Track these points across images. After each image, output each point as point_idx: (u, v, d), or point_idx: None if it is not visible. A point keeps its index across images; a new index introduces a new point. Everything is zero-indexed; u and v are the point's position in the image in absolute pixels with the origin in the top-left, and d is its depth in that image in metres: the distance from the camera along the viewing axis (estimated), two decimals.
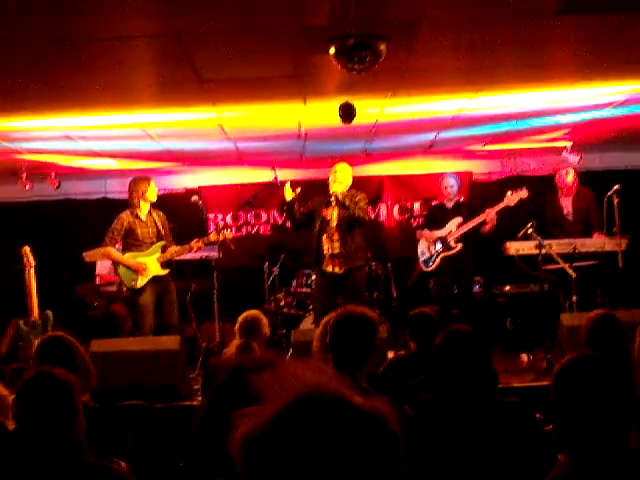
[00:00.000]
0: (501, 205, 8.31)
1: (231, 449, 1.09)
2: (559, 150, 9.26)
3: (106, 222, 7.83)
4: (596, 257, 8.08)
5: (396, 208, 10.81)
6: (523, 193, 8.29)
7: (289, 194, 7.80)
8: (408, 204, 10.81)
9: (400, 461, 1.09)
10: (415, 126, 8.16)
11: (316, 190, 8.44)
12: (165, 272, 7.72)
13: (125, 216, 7.70)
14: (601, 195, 8.14)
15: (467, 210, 8.59)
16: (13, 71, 5.34)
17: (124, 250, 7.76)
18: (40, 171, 9.26)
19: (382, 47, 4.81)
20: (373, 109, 7.04)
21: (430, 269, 8.62)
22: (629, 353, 3.43)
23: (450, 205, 8.70)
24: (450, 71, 5.98)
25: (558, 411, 2.14)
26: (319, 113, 7.13)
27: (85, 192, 10.63)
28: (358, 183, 8.57)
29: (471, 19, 4.65)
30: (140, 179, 7.80)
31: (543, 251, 7.68)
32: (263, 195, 10.50)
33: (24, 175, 9.26)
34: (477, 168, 10.79)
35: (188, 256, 8.23)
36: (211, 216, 10.07)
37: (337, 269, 7.74)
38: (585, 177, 8.78)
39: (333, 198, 7.71)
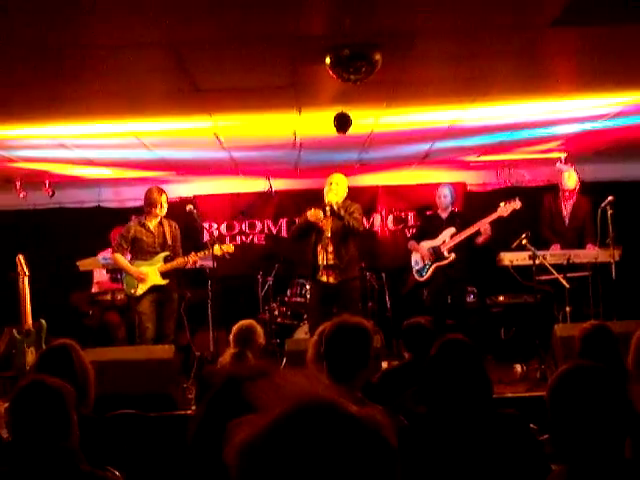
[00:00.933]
0: (494, 216, 8.33)
1: (227, 458, 1.09)
2: (553, 161, 9.29)
3: (100, 231, 7.86)
4: (590, 268, 8.10)
5: (390, 218, 10.83)
6: (516, 204, 8.32)
7: (315, 217, 7.72)
8: (402, 214, 10.83)
9: (396, 471, 1.09)
10: (410, 136, 8.18)
11: (311, 200, 8.45)
12: (164, 282, 7.77)
13: (133, 224, 7.94)
14: (595, 206, 8.17)
15: (461, 220, 8.61)
16: (8, 79, 5.34)
17: (132, 259, 7.88)
18: (34, 179, 9.25)
19: (378, 57, 4.82)
20: (368, 119, 7.05)
21: (424, 279, 8.63)
22: (623, 364, 3.43)
23: (444, 215, 8.72)
24: (445, 82, 5.99)
25: (553, 421, 2.14)
26: (314, 123, 7.14)
27: (79, 200, 10.62)
28: (352, 193, 8.58)
29: (466, 30, 4.66)
30: (155, 190, 7.95)
31: (537, 262, 7.70)
32: (258, 205, 10.53)
33: (18, 183, 9.27)
34: (472, 179, 10.81)
35: (199, 261, 8.27)
36: (205, 225, 10.05)
37: (332, 279, 7.75)
38: (579, 188, 8.80)
39: (328, 208, 7.72)
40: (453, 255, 8.44)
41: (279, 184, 10.29)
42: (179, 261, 7.86)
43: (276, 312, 9.17)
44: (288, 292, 9.34)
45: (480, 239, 8.38)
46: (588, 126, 7.88)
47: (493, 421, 3.03)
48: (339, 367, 3.36)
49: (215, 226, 10.65)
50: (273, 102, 6.30)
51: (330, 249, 7.75)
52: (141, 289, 7.72)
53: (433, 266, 8.51)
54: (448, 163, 10.34)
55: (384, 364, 6.82)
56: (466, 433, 2.97)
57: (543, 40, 4.96)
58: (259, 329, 5.75)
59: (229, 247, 8.00)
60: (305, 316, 8.95)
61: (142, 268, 7.77)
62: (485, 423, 3.00)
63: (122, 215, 9.34)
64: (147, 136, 7.53)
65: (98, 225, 8.06)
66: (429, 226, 8.86)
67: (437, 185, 9.04)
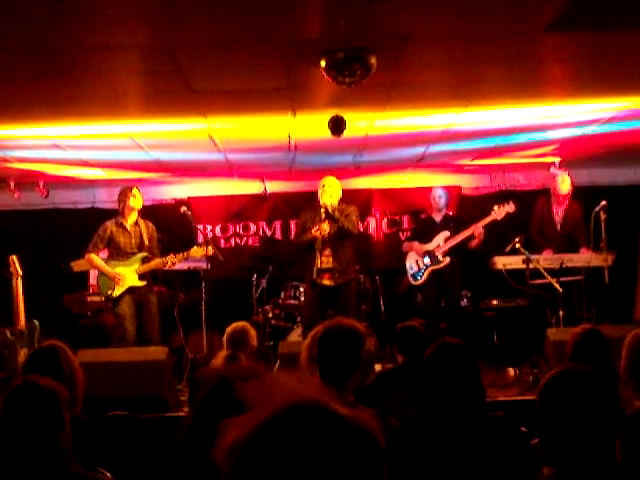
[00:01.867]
0: (488, 219, 8.35)
1: (216, 458, 1.10)
2: (547, 165, 9.32)
3: (95, 232, 7.83)
4: (583, 272, 8.12)
5: (385, 221, 10.84)
6: (510, 207, 8.33)
7: (321, 232, 7.76)
8: (397, 217, 10.83)
9: (383, 472, 1.09)
10: (405, 140, 8.19)
11: (306, 202, 8.47)
12: (142, 284, 7.70)
13: (109, 224, 7.77)
14: (588, 211, 8.20)
15: (455, 224, 8.63)
16: (2, 80, 5.34)
17: (107, 259, 7.79)
18: (28, 180, 9.24)
19: (373, 61, 4.83)
20: (363, 122, 7.06)
21: (418, 283, 8.64)
22: (614, 368, 3.45)
23: (438, 218, 8.73)
24: (440, 85, 6.01)
25: (544, 424, 2.15)
26: (309, 126, 7.15)
27: (73, 201, 10.61)
28: (347, 196, 8.60)
29: (461, 34, 4.68)
30: (124, 188, 7.88)
31: (530, 266, 7.72)
32: (252, 207, 10.53)
33: (12, 183, 9.25)
34: (466, 182, 10.83)
35: (176, 267, 8.22)
36: (200, 227, 10.06)
37: (329, 282, 7.77)
38: (573, 193, 8.83)
39: (323, 210, 7.73)
40: (448, 259, 8.46)
41: (274, 186, 10.30)
42: (157, 262, 7.77)
43: (270, 314, 9.17)
44: (282, 294, 9.33)
45: (474, 242, 8.39)
46: (582, 131, 7.91)
47: (484, 423, 3.04)
48: (331, 369, 3.37)
49: (209, 228, 10.64)
50: (268, 104, 6.31)
51: (327, 252, 7.77)
52: (118, 290, 7.62)
53: (428, 270, 8.52)
54: (443, 167, 10.35)
55: (377, 367, 6.83)
56: (457, 435, 2.98)
57: (537, 45, 4.98)
58: (252, 331, 5.76)
59: (209, 249, 7.88)
60: (299, 318, 8.96)
61: (118, 269, 7.67)
62: (476, 425, 3.01)
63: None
64: (142, 137, 7.53)
65: (92, 226, 8.02)
66: (423, 229, 8.88)
67: (432, 188, 9.06)
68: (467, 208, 10.10)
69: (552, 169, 9.13)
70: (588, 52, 5.21)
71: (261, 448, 1.06)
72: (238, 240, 10.80)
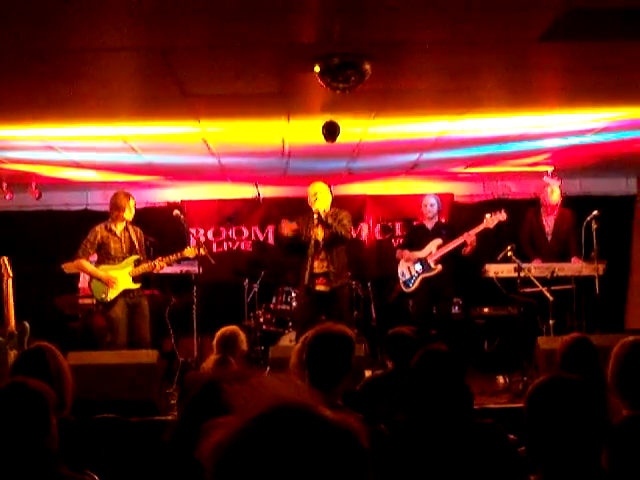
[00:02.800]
0: (480, 227, 8.37)
1: (201, 459, 1.10)
2: (540, 174, 9.34)
3: (87, 234, 7.81)
4: (574, 281, 8.14)
5: (378, 228, 10.85)
6: (502, 216, 8.36)
7: (289, 231, 7.80)
8: (390, 224, 10.85)
9: (367, 475, 1.10)
10: (398, 147, 8.21)
11: (299, 207, 8.48)
12: (136, 286, 7.69)
13: (99, 229, 7.71)
14: (580, 220, 8.22)
15: (447, 232, 8.64)
16: None
17: (97, 263, 7.76)
18: (21, 181, 9.22)
19: (367, 67, 4.84)
20: (357, 129, 7.07)
21: (410, 290, 8.65)
22: (603, 376, 3.46)
23: (430, 226, 8.74)
24: (434, 93, 6.03)
25: (530, 431, 2.16)
26: (303, 131, 7.16)
27: (66, 203, 10.59)
28: (341, 202, 8.62)
29: (455, 42, 4.70)
30: (122, 195, 7.78)
31: (522, 274, 7.74)
32: (245, 211, 10.53)
33: (4, 185, 9.23)
34: (459, 190, 10.85)
35: (168, 270, 8.21)
36: (192, 231, 10.05)
37: (323, 287, 7.77)
38: (565, 202, 8.86)
39: (316, 216, 7.74)
40: (440, 266, 8.47)
41: (267, 191, 10.30)
42: (147, 266, 7.75)
43: (261, 319, 9.17)
44: (274, 299, 9.33)
45: (466, 250, 8.41)
46: (575, 140, 7.94)
47: (471, 430, 3.04)
48: (320, 374, 3.37)
49: (202, 232, 10.63)
50: (262, 109, 6.32)
51: (322, 256, 7.79)
52: (112, 294, 7.58)
53: (420, 277, 8.53)
54: (436, 174, 10.37)
55: (368, 373, 6.83)
56: (444, 442, 2.98)
57: (530, 54, 5.00)
58: (242, 335, 5.76)
59: (201, 250, 7.86)
60: (290, 324, 8.96)
61: (111, 272, 7.63)
62: (463, 432, 3.02)
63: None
64: (135, 140, 7.53)
65: (85, 228, 8.00)
66: (415, 237, 8.88)
67: (424, 196, 9.06)
68: (460, 216, 10.13)
69: (545, 178, 9.15)
70: (582, 62, 5.23)
71: (244, 449, 1.06)
72: (231, 244, 10.80)
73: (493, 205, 9.51)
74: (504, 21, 4.32)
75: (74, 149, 7.89)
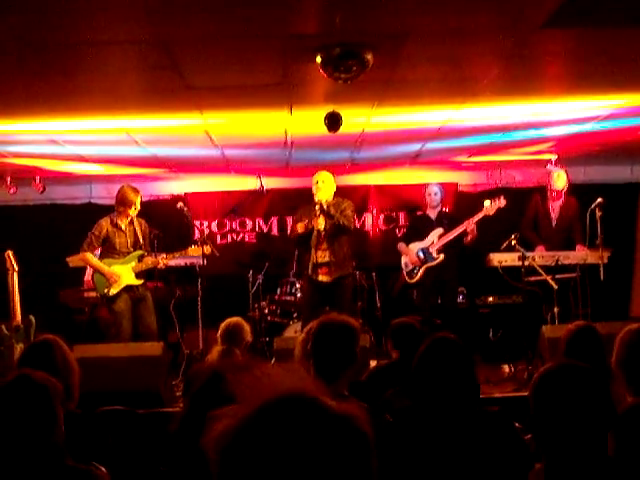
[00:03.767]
0: (480, 215, 8.36)
1: (206, 449, 1.11)
2: (544, 163, 9.32)
3: (91, 227, 7.82)
4: (578, 270, 8.13)
5: (381, 217, 10.85)
6: (501, 202, 8.35)
7: (301, 228, 7.84)
8: (393, 214, 10.85)
9: (372, 464, 1.10)
10: (401, 136, 8.19)
11: (302, 198, 8.48)
12: (139, 282, 7.70)
13: (104, 223, 7.71)
14: (584, 208, 8.21)
15: (449, 221, 8.63)
16: None
17: (102, 257, 7.77)
18: (25, 175, 9.23)
19: (369, 57, 4.83)
20: (359, 119, 7.06)
21: (414, 280, 8.64)
22: (608, 364, 3.46)
23: (433, 215, 8.73)
24: (436, 82, 6.01)
25: (536, 419, 2.16)
26: (305, 122, 7.15)
27: (70, 197, 10.60)
28: (344, 192, 8.60)
29: (457, 31, 4.68)
30: (130, 190, 7.76)
31: (526, 263, 7.73)
32: (248, 203, 10.53)
33: (8, 179, 9.25)
34: (463, 179, 10.84)
35: (172, 263, 8.22)
36: (196, 223, 10.06)
37: (325, 278, 7.79)
38: (569, 190, 8.84)
39: (318, 207, 7.75)
40: (442, 256, 8.46)
41: (270, 182, 10.30)
42: (152, 261, 7.76)
43: (266, 310, 9.18)
44: (278, 290, 9.35)
45: (467, 239, 8.40)
46: (579, 128, 7.91)
47: (477, 418, 3.05)
48: (325, 365, 3.38)
49: (206, 224, 10.64)
50: (264, 100, 6.31)
51: (324, 246, 7.80)
52: (115, 289, 7.61)
53: (423, 268, 8.53)
54: (439, 163, 10.36)
55: (373, 363, 6.84)
56: (450, 429, 2.99)
57: (533, 42, 4.97)
58: (246, 326, 5.76)
59: (207, 249, 7.87)
60: (295, 314, 8.97)
61: (115, 267, 7.65)
62: (469, 420, 3.02)
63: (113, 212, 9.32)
64: (138, 133, 7.53)
65: (89, 222, 8.00)
66: (418, 226, 8.88)
67: (427, 185, 9.05)
68: (463, 205, 10.11)
69: (548, 166, 9.14)
70: (585, 49, 5.21)
71: (249, 439, 1.07)
72: (234, 236, 10.80)
73: (496, 194, 9.49)
74: (506, 9, 4.30)
75: (77, 143, 7.89)
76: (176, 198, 9.98)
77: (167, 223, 9.19)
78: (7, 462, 2.45)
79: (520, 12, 4.38)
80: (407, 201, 10.60)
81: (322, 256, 7.78)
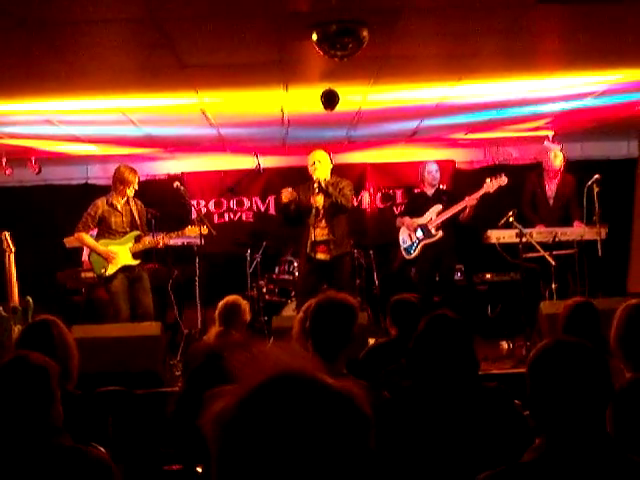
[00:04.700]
0: (480, 192, 8.34)
1: (203, 427, 1.11)
2: (541, 139, 9.30)
3: (87, 208, 7.79)
4: (576, 246, 8.13)
5: (379, 196, 10.83)
6: (502, 180, 8.33)
7: (286, 198, 7.82)
8: (391, 192, 10.83)
9: (369, 441, 1.10)
10: (398, 114, 8.17)
11: (299, 177, 8.46)
12: (136, 262, 7.67)
13: (100, 203, 7.67)
14: (581, 184, 8.20)
15: (447, 198, 8.63)
16: None
17: (98, 237, 7.74)
18: (20, 156, 9.20)
19: (364, 34, 4.80)
20: (356, 96, 7.03)
21: (412, 257, 8.65)
22: (606, 340, 3.46)
23: (431, 192, 8.72)
24: (432, 59, 5.98)
25: (533, 395, 2.16)
26: (301, 100, 7.12)
27: (66, 178, 10.57)
28: (341, 170, 8.58)
29: (453, 6, 4.65)
30: (128, 170, 7.69)
31: (524, 239, 7.73)
32: (245, 182, 10.50)
33: (4, 160, 9.20)
34: (460, 156, 10.81)
35: (170, 242, 8.20)
36: (193, 202, 10.04)
37: (323, 256, 7.78)
38: (566, 166, 8.83)
39: (316, 185, 7.73)
40: (440, 233, 8.47)
41: (267, 161, 10.25)
42: (149, 241, 7.75)
43: (264, 289, 9.18)
44: (276, 269, 9.34)
45: (464, 215, 8.39)
46: (575, 104, 7.89)
47: (476, 394, 3.05)
48: (324, 343, 3.38)
49: (203, 203, 10.62)
50: (260, 79, 6.28)
51: (322, 224, 7.79)
52: (111, 269, 7.56)
53: (421, 244, 8.53)
54: (436, 141, 10.34)
55: (371, 341, 6.85)
56: (450, 405, 2.99)
57: (529, 17, 4.95)
58: (244, 305, 5.74)
59: (204, 229, 7.83)
60: (293, 293, 8.97)
61: (111, 247, 7.60)
62: (469, 395, 3.03)
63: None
64: (134, 112, 7.49)
65: (86, 202, 7.97)
66: (416, 204, 8.87)
67: (424, 163, 9.03)
68: (460, 182, 10.09)
69: (546, 143, 9.11)
70: (581, 24, 5.18)
71: (247, 417, 1.06)
72: (232, 215, 10.79)
73: (494, 171, 9.46)
74: None
75: (73, 123, 7.86)
76: (173, 178, 9.95)
77: (164, 203, 9.17)
78: (5, 443, 2.45)
79: None
80: (404, 179, 10.58)
81: (321, 234, 7.77)
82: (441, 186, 9.02)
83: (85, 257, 9.63)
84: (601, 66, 6.43)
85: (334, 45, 4.80)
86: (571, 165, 8.92)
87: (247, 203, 10.79)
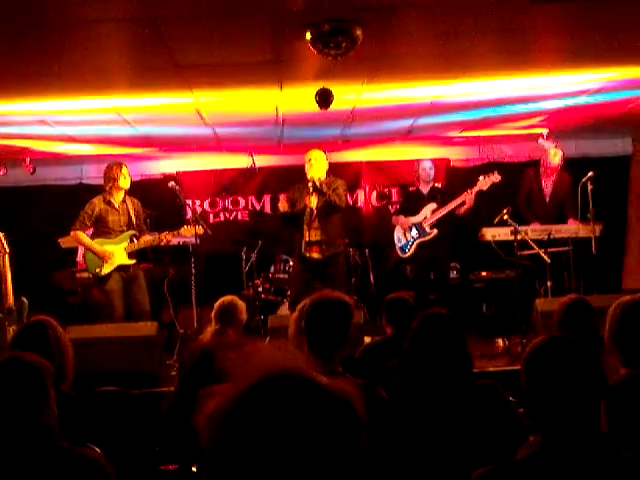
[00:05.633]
0: (474, 189, 8.35)
1: (197, 427, 1.11)
2: (536, 137, 9.31)
3: (82, 208, 7.78)
4: (570, 243, 8.14)
5: (374, 194, 10.84)
6: (495, 177, 8.35)
7: (283, 207, 7.91)
8: (386, 190, 10.83)
9: (362, 440, 1.10)
10: (393, 112, 8.16)
11: (294, 176, 8.46)
12: (131, 262, 7.66)
13: (97, 202, 7.67)
14: (576, 182, 8.22)
15: (442, 196, 8.64)
16: None
17: (94, 236, 7.73)
18: (14, 156, 9.18)
19: (358, 33, 4.80)
20: (350, 95, 7.03)
21: (407, 255, 8.66)
22: (600, 337, 3.47)
23: (425, 191, 8.74)
24: (427, 57, 5.98)
25: (528, 392, 2.17)
26: (296, 99, 7.12)
27: (61, 178, 10.55)
28: (336, 169, 8.59)
29: (447, 5, 4.65)
30: (113, 165, 7.73)
31: (519, 237, 7.74)
32: (241, 181, 10.51)
33: None
34: (455, 154, 10.83)
35: (172, 240, 8.19)
36: (188, 202, 10.04)
37: (317, 255, 7.79)
38: (561, 165, 8.83)
39: (311, 184, 7.75)
40: (435, 231, 8.48)
41: (262, 160, 10.26)
42: (149, 240, 7.75)
43: (260, 288, 9.18)
44: (272, 268, 9.35)
45: (462, 209, 8.39)
46: (569, 102, 7.89)
47: (471, 391, 3.06)
48: (319, 342, 3.38)
49: (198, 202, 10.62)
50: (254, 78, 6.27)
51: (315, 224, 7.80)
52: (107, 268, 7.56)
53: (416, 242, 8.54)
54: (431, 139, 10.34)
55: (367, 339, 6.85)
56: (445, 403, 3.00)
57: (524, 16, 4.95)
58: (241, 305, 5.74)
59: (199, 229, 7.83)
60: (288, 292, 8.97)
61: (107, 247, 7.60)
62: (463, 393, 3.04)
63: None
64: (128, 112, 7.48)
65: (80, 202, 7.96)
66: (410, 202, 8.89)
67: (419, 161, 9.04)
68: (455, 180, 10.10)
69: (540, 140, 9.13)
70: (576, 23, 5.19)
71: (240, 416, 1.07)
72: (227, 215, 10.79)
73: (489, 169, 9.48)
74: None
75: (67, 123, 7.84)
76: (168, 177, 9.93)
77: (159, 202, 9.17)
78: None
79: None
80: (399, 177, 10.58)
81: (314, 235, 7.79)
82: (436, 184, 9.02)
83: (80, 257, 9.63)
84: (595, 64, 6.44)
85: (328, 44, 4.80)
86: (566, 162, 8.93)
87: (242, 202, 10.79)
